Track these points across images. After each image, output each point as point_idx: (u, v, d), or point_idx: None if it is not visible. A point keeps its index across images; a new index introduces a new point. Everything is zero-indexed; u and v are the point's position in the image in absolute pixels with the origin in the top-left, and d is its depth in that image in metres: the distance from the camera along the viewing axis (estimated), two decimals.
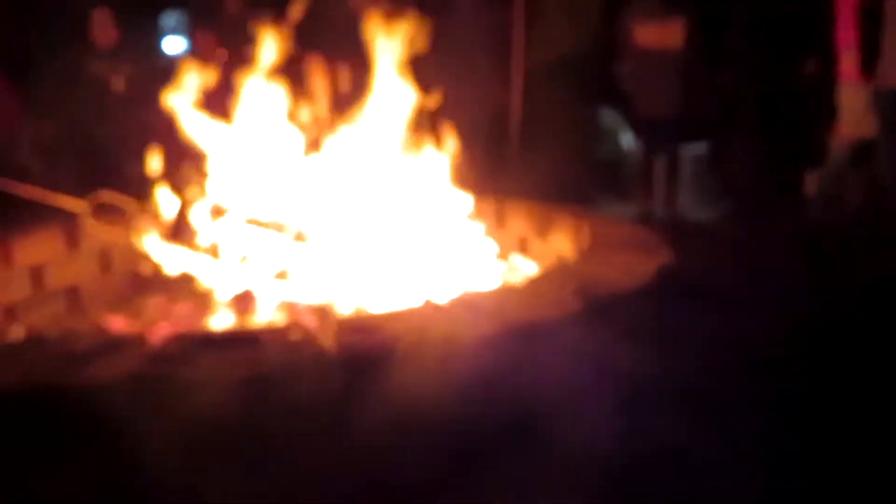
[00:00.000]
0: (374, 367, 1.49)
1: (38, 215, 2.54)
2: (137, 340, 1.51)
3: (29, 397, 1.37)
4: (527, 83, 4.30)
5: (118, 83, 4.21)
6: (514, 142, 4.20)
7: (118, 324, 2.45)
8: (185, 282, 2.49)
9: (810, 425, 2.09)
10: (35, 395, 1.37)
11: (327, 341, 1.51)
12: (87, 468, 1.37)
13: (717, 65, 4.77)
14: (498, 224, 2.65)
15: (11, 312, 2.40)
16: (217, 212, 2.23)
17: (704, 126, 5.03)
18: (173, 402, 1.38)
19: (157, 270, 2.65)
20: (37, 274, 2.49)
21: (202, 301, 2.45)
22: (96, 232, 2.39)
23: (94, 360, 1.42)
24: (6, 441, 1.36)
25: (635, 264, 1.92)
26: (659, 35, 4.65)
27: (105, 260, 2.68)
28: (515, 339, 1.59)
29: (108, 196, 2.27)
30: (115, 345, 1.49)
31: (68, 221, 2.55)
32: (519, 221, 2.64)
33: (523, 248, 2.64)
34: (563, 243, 2.44)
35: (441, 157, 2.34)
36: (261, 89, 2.27)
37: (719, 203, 5.03)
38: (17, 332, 1.62)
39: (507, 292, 1.79)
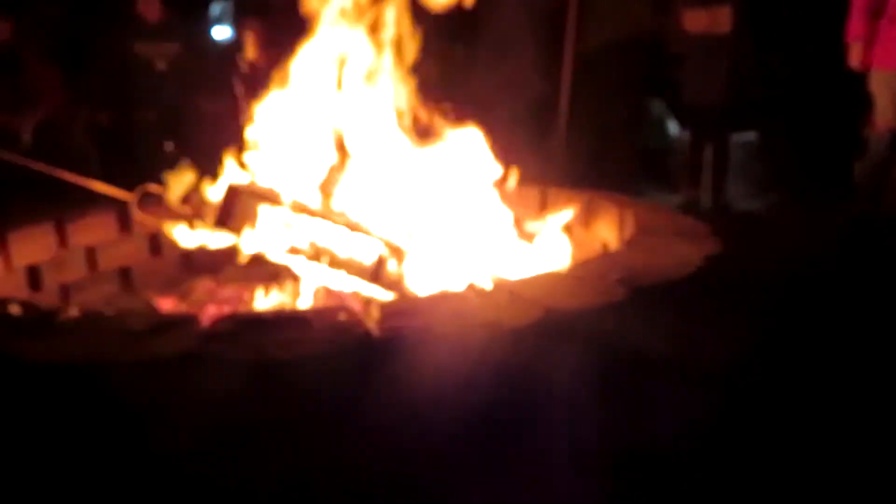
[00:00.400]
0: (416, 351, 1.51)
1: (92, 199, 2.62)
2: (189, 320, 1.56)
3: (84, 373, 1.42)
4: (574, 70, 4.26)
5: (161, 65, 4.28)
6: (561, 129, 4.16)
7: (167, 304, 2.52)
8: (233, 265, 2.55)
9: (861, 418, 2.05)
10: (91, 371, 1.43)
11: (372, 324, 1.53)
12: (135, 445, 1.42)
13: (765, 51, 4.65)
14: (541, 211, 2.64)
15: (66, 291, 2.50)
16: (262, 196, 2.27)
17: (753, 113, 4.91)
18: (221, 381, 1.42)
19: (204, 254, 2.72)
20: (91, 255, 2.57)
21: (249, 284, 2.51)
22: (143, 221, 2.44)
23: (148, 338, 1.46)
24: (59, 416, 1.42)
25: (680, 253, 1.90)
26: (707, 21, 4.54)
27: (155, 242, 2.75)
28: (557, 326, 1.59)
29: (154, 188, 2.32)
30: (168, 324, 1.53)
31: (121, 205, 2.63)
32: (562, 209, 2.62)
33: (567, 235, 2.62)
34: (606, 231, 2.42)
35: (485, 142, 2.33)
36: (305, 76, 2.29)
37: (768, 192, 4.91)
38: (72, 311, 1.68)
39: (549, 279, 1.78)
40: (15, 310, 1.64)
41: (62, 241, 2.48)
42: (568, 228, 2.61)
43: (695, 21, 4.55)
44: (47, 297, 2.39)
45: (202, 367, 1.41)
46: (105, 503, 1.44)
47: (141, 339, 1.46)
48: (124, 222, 2.66)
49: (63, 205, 2.58)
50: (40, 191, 2.66)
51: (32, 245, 2.38)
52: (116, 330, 1.51)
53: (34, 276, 2.39)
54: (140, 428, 1.42)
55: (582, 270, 1.81)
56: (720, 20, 4.51)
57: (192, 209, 2.32)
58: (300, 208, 2.21)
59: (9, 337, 1.51)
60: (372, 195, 2.19)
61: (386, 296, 2.02)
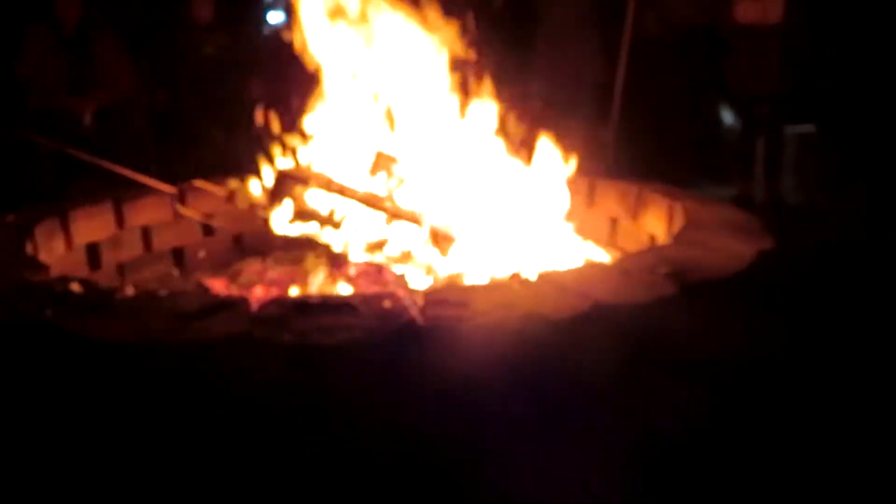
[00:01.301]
0: (459, 339, 1.51)
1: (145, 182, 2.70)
2: (237, 303, 1.60)
3: (137, 352, 1.48)
4: (631, 58, 4.19)
5: (209, 51, 4.33)
6: (614, 117, 4.10)
7: (218, 285, 2.59)
8: (283, 248, 2.60)
9: None
10: (146, 350, 1.48)
11: (416, 312, 1.54)
12: (183, 423, 1.46)
13: (821, 42, 4.48)
14: (588, 203, 2.61)
15: (123, 270, 2.58)
16: (311, 180, 2.30)
17: (809, 105, 4.75)
18: (267, 364, 1.45)
19: (254, 236, 2.78)
20: (146, 235, 2.66)
21: (297, 266, 2.55)
22: (186, 214, 2.50)
23: (201, 319, 1.51)
24: (112, 392, 1.48)
25: (731, 249, 1.86)
26: (759, 10, 4.42)
27: (207, 225, 2.82)
28: (601, 319, 1.57)
29: (199, 184, 2.38)
30: (217, 306, 1.57)
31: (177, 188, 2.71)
32: (610, 201, 2.59)
33: (614, 228, 2.59)
34: (655, 224, 2.38)
35: (532, 133, 2.32)
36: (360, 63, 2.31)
37: (826, 186, 4.75)
38: (128, 290, 1.74)
39: (595, 271, 1.77)
40: (76, 288, 1.70)
41: (120, 221, 2.56)
42: (615, 221, 2.58)
43: (747, 11, 4.44)
44: (105, 275, 2.47)
45: (250, 350, 1.44)
46: (148, 477, 1.49)
47: (191, 321, 1.51)
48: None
49: (122, 185, 2.66)
50: (100, 172, 2.76)
51: (92, 224, 2.46)
52: (168, 311, 1.56)
53: (93, 254, 2.47)
54: (188, 407, 1.47)
55: (629, 263, 1.79)
56: (771, 10, 4.39)
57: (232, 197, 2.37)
58: (347, 192, 2.24)
59: (69, 315, 1.57)
60: (421, 182, 2.20)
61: (430, 281, 2.03)
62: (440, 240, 2.05)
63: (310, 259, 2.47)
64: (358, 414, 1.50)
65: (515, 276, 1.68)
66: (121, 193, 2.60)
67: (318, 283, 2.39)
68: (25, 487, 1.49)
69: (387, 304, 1.57)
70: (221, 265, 2.77)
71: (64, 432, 1.50)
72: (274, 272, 2.67)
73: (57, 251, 2.31)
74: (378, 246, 2.20)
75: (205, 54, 4.31)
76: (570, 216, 2.34)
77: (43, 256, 2.16)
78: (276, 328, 1.48)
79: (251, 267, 2.76)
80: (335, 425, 1.49)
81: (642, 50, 4.22)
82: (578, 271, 1.76)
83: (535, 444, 1.52)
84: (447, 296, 1.60)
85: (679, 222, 2.18)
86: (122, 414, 1.49)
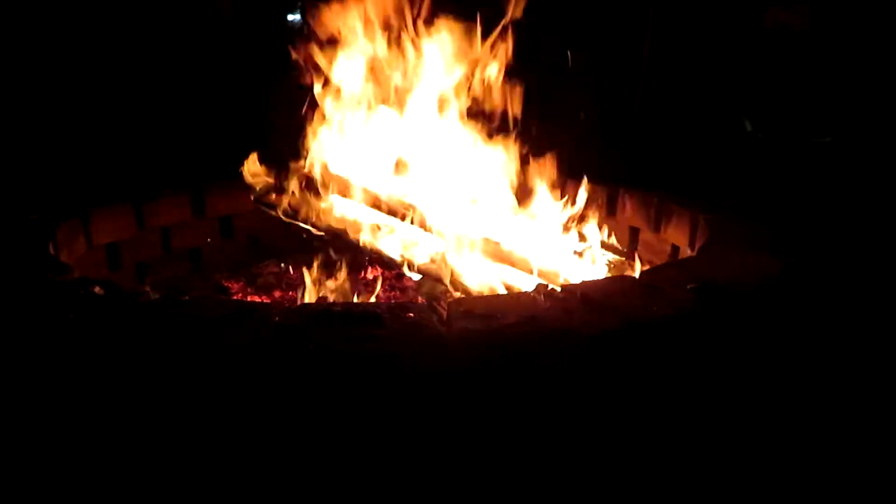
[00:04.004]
0: (485, 351, 1.50)
1: (168, 182, 2.70)
2: (261, 310, 1.59)
3: (161, 358, 1.47)
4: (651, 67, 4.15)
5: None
6: (634, 125, 4.06)
7: (235, 287, 2.59)
8: (301, 250, 2.60)
9: None
10: (167, 356, 1.47)
11: (442, 322, 1.53)
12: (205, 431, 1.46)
13: (849, 52, 4.44)
14: (609, 213, 2.60)
15: (142, 270, 2.58)
16: (333, 183, 2.29)
17: (833, 117, 4.70)
18: (290, 372, 1.44)
19: (272, 238, 2.77)
20: (165, 235, 2.66)
21: (314, 268, 2.55)
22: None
23: (221, 328, 1.50)
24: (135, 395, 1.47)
25: (756, 263, 1.84)
26: (785, 18, 4.39)
27: (226, 225, 2.82)
28: (628, 333, 1.56)
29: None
30: (241, 314, 1.56)
31: (194, 188, 2.71)
32: (632, 211, 2.57)
33: (634, 239, 2.57)
34: (678, 236, 2.36)
35: (554, 141, 2.30)
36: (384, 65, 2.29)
37: (846, 199, 4.70)
38: (152, 295, 1.74)
39: (621, 285, 1.75)
40: (99, 291, 1.70)
41: (140, 221, 2.56)
42: (636, 231, 2.56)
43: (774, 18, 4.40)
44: (125, 276, 2.47)
45: (273, 359, 1.43)
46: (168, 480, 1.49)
47: (214, 329, 1.50)
48: (198, 205, 2.73)
49: (139, 188, 2.66)
50: (119, 170, 2.76)
51: (112, 225, 2.46)
52: (192, 317, 1.55)
53: (113, 254, 2.48)
54: (214, 414, 1.46)
55: (655, 277, 1.77)
56: (797, 18, 4.36)
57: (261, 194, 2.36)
58: (370, 198, 2.23)
59: (93, 318, 1.57)
60: (441, 190, 2.19)
61: (451, 292, 2.02)
62: (461, 248, 2.04)
63: (329, 262, 2.46)
64: (376, 424, 1.49)
65: (541, 288, 1.66)
66: (141, 193, 2.60)
67: (337, 287, 2.39)
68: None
69: (411, 314, 1.56)
70: (239, 266, 2.77)
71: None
72: (292, 274, 2.68)
73: (78, 251, 2.31)
74: (400, 253, 2.19)
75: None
76: (591, 226, 2.32)
77: (64, 256, 2.16)
78: (300, 337, 1.47)
79: (269, 269, 2.76)
80: (355, 434, 1.48)
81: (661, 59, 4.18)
82: (604, 284, 1.74)
83: (561, 461, 1.50)
84: (472, 307, 1.59)
85: (703, 235, 2.16)
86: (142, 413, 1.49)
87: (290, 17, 5.96)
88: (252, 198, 2.41)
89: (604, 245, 2.32)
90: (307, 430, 1.43)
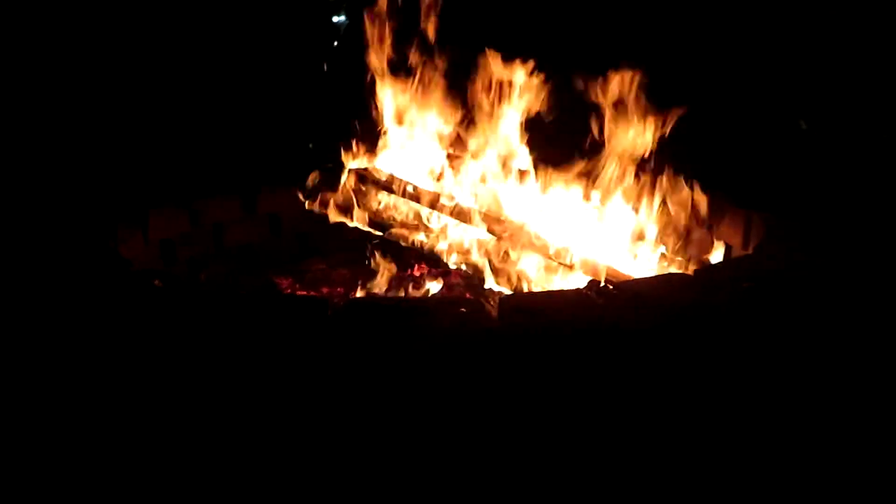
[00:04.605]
0: (536, 347, 1.50)
1: (220, 181, 2.77)
2: (315, 303, 1.61)
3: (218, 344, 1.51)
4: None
5: None
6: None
7: (284, 283, 2.63)
8: (348, 248, 2.63)
9: None
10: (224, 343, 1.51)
11: (493, 318, 1.54)
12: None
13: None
14: (662, 211, 2.55)
15: (195, 266, 2.64)
16: (381, 182, 2.31)
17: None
18: (344, 365, 1.46)
19: (319, 236, 2.81)
20: (217, 233, 2.72)
21: (360, 266, 2.57)
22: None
23: (277, 318, 1.53)
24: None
25: (811, 261, 1.79)
26: None
27: (275, 224, 2.87)
28: (679, 329, 1.54)
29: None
30: (296, 306, 1.59)
31: (245, 188, 2.77)
32: (683, 209, 2.52)
33: (685, 237, 2.53)
34: (731, 235, 2.31)
35: (606, 139, 2.28)
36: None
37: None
38: (208, 286, 1.78)
39: (674, 282, 1.73)
40: (158, 283, 1.75)
41: (193, 219, 2.62)
42: (688, 229, 2.52)
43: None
44: (179, 272, 2.53)
45: (328, 351, 1.45)
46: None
47: (270, 319, 1.53)
48: (248, 204, 2.79)
49: (193, 186, 2.72)
50: (174, 170, 2.83)
51: (167, 222, 2.53)
52: (247, 306, 1.58)
53: (168, 250, 2.54)
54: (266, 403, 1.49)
55: (709, 275, 1.74)
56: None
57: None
58: (418, 195, 2.24)
59: (152, 308, 1.62)
60: (493, 186, 2.20)
61: (501, 288, 2.02)
62: (515, 246, 2.04)
63: (376, 260, 2.49)
64: (429, 418, 1.50)
65: (593, 285, 1.65)
66: (194, 192, 2.66)
67: (384, 284, 2.41)
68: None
69: (463, 309, 1.57)
70: (288, 263, 2.81)
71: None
72: (338, 271, 2.71)
73: (135, 247, 2.38)
74: (449, 250, 2.20)
75: None
76: (642, 225, 2.30)
77: (123, 251, 2.22)
78: (354, 330, 1.49)
79: (316, 266, 2.80)
80: (404, 425, 1.49)
81: None
82: (657, 282, 1.72)
83: (610, 453, 1.49)
84: (524, 303, 1.58)
85: (758, 234, 2.11)
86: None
87: (336, 19, 6.04)
88: (301, 195, 2.44)
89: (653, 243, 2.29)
90: (360, 415, 1.45)
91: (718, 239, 2.36)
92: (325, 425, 1.47)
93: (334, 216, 2.31)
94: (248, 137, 3.08)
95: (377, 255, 2.42)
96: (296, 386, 1.46)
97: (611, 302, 1.60)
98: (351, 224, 2.35)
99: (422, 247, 2.25)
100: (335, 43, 4.74)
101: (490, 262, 2.05)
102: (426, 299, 1.86)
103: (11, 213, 2.11)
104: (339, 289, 2.57)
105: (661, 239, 2.27)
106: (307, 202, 2.37)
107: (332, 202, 2.40)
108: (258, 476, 1.47)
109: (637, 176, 2.29)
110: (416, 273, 2.62)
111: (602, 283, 1.67)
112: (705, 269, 1.87)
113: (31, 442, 1.50)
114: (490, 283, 2.06)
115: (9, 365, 1.53)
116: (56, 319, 1.60)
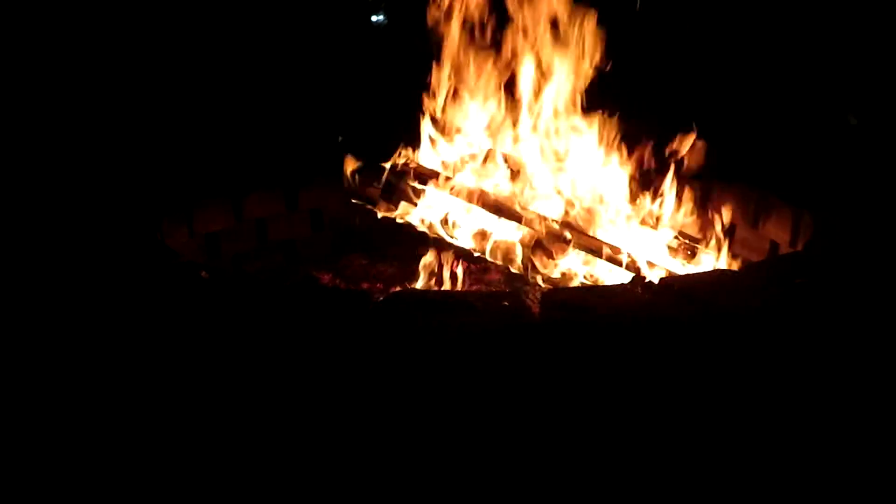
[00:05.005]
0: (579, 342, 1.48)
1: (262, 176, 2.80)
2: (361, 297, 1.62)
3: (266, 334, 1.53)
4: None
5: None
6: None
7: (325, 278, 2.65)
8: (390, 244, 2.64)
9: None
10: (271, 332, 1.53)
11: (535, 313, 1.53)
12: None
13: None
14: (702, 208, 2.51)
15: (239, 260, 2.69)
16: (424, 175, 2.31)
17: None
18: (386, 356, 1.47)
19: (360, 232, 2.83)
20: (261, 228, 2.76)
21: (402, 261, 2.58)
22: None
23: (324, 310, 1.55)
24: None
25: (865, 258, 1.74)
26: None
27: (317, 219, 2.90)
28: (721, 326, 1.51)
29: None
30: (342, 298, 1.60)
31: (288, 183, 2.80)
32: (728, 206, 2.48)
33: (730, 236, 2.48)
34: (778, 233, 2.26)
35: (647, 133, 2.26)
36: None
37: None
38: (256, 277, 1.80)
39: (721, 278, 1.69)
40: (204, 274, 1.78)
41: (237, 213, 2.66)
42: (732, 228, 2.47)
43: None
44: (223, 266, 2.58)
45: (372, 342, 1.46)
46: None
47: (317, 310, 1.55)
48: (290, 199, 2.82)
49: (238, 182, 2.77)
50: (218, 166, 2.88)
51: (212, 216, 2.57)
52: (290, 298, 1.60)
53: (212, 244, 2.58)
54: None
55: (756, 270, 1.70)
56: None
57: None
58: (461, 192, 2.23)
59: (198, 297, 1.65)
60: (537, 182, 2.18)
61: (541, 281, 2.01)
62: (555, 242, 2.02)
63: (417, 256, 2.49)
64: (472, 413, 1.49)
65: (637, 280, 1.63)
66: (238, 187, 2.70)
67: (425, 280, 2.41)
68: None
69: (507, 302, 1.56)
70: (329, 259, 2.83)
71: None
72: (379, 266, 2.72)
73: (180, 240, 2.42)
74: (494, 247, 2.19)
75: None
76: (685, 222, 2.26)
77: (169, 245, 2.26)
78: (398, 322, 1.49)
79: (358, 262, 2.82)
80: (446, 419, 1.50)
81: None
82: (704, 278, 1.69)
83: (651, 448, 1.47)
84: (566, 297, 1.57)
85: (807, 231, 2.06)
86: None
87: (374, 19, 6.08)
88: (346, 186, 2.45)
89: (686, 237, 2.25)
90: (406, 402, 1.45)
91: (765, 237, 2.31)
92: (365, 418, 1.48)
93: (382, 211, 2.32)
94: (291, 134, 3.11)
95: (422, 250, 2.42)
96: (337, 377, 1.47)
97: (657, 297, 1.57)
98: (396, 219, 2.36)
99: (463, 244, 2.25)
100: (373, 42, 4.79)
101: (532, 259, 2.03)
102: (468, 293, 1.86)
103: (64, 206, 2.17)
104: (379, 284, 2.59)
105: (706, 238, 2.23)
106: (353, 198, 2.38)
107: (377, 197, 2.40)
108: (302, 463, 1.49)
109: (682, 174, 2.26)
110: (456, 270, 2.62)
111: (647, 279, 1.64)
112: (754, 265, 1.83)
113: (79, 422, 1.55)
114: (530, 279, 2.05)
115: (64, 345, 1.58)
116: (105, 306, 1.64)
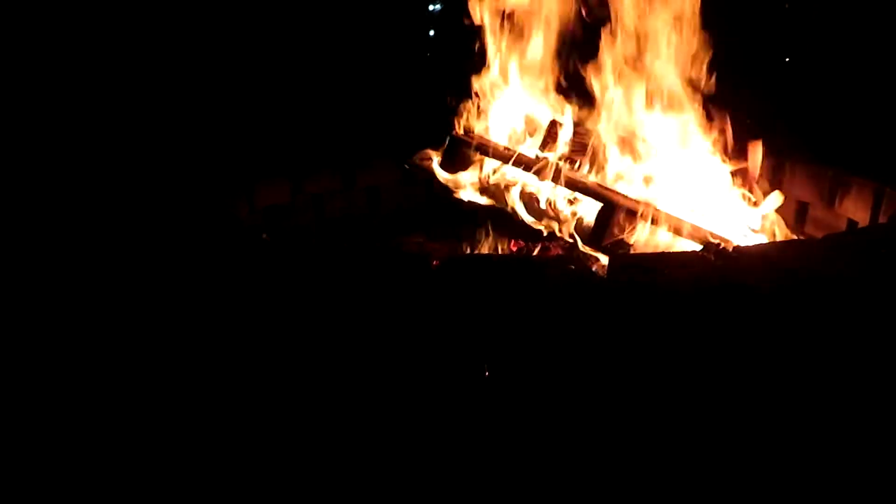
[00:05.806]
0: (651, 306, 1.43)
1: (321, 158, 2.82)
2: (423, 260, 1.60)
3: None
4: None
5: None
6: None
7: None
8: (450, 223, 2.62)
9: None
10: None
11: (602, 276, 1.48)
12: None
13: None
14: (774, 186, 2.41)
15: (297, 234, 2.71)
16: (484, 148, 2.27)
17: None
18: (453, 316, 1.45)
19: (417, 210, 2.82)
20: (318, 204, 2.77)
21: (458, 240, 2.56)
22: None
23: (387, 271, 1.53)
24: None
25: None
26: None
27: (373, 197, 2.90)
28: (802, 293, 1.43)
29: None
30: (405, 260, 1.59)
31: (344, 162, 2.81)
32: (801, 183, 2.37)
33: (801, 215, 2.38)
34: (856, 211, 2.15)
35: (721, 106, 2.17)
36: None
37: None
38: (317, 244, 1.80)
39: (799, 246, 1.62)
40: (266, 237, 1.79)
41: (295, 189, 2.69)
42: (805, 205, 2.37)
43: None
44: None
45: (435, 302, 1.44)
46: None
47: (379, 272, 1.54)
48: (348, 178, 2.83)
49: (297, 161, 2.79)
50: (280, 144, 2.91)
51: (272, 192, 2.60)
52: (360, 260, 1.59)
53: (271, 218, 2.61)
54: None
55: (839, 240, 1.62)
56: None
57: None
58: (522, 162, 2.18)
59: (261, 259, 1.66)
60: (602, 154, 2.12)
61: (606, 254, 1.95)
62: (626, 215, 1.95)
63: (474, 236, 2.46)
64: (539, 375, 1.46)
65: (711, 247, 1.56)
66: (298, 166, 2.72)
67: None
68: None
69: (572, 266, 1.52)
70: (385, 236, 2.83)
71: None
72: (435, 244, 2.70)
73: (241, 214, 2.45)
74: (561, 221, 2.14)
75: None
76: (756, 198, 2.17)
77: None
78: (457, 283, 1.47)
79: (414, 239, 2.80)
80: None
81: None
82: (780, 245, 1.61)
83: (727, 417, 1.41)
84: (638, 261, 1.52)
85: (890, 207, 1.95)
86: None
87: (431, 7, 6.09)
88: (406, 165, 2.44)
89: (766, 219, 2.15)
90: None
91: (842, 215, 2.20)
92: (427, 380, 1.46)
93: (443, 178, 2.29)
94: (352, 114, 3.13)
95: (482, 226, 2.39)
96: (398, 339, 1.46)
97: (730, 263, 1.51)
98: (458, 193, 2.33)
99: (528, 220, 2.20)
100: (431, 31, 4.80)
101: (606, 235, 1.96)
102: (533, 256, 1.82)
103: (143, 180, 2.22)
104: (434, 262, 2.56)
105: (779, 213, 2.14)
106: (411, 167, 2.36)
107: (438, 171, 2.37)
108: (370, 424, 1.48)
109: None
110: (514, 248, 2.58)
111: (720, 245, 1.57)
112: (832, 236, 1.74)
113: (156, 378, 1.58)
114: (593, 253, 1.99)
115: (141, 304, 1.62)
116: (178, 268, 1.67)
